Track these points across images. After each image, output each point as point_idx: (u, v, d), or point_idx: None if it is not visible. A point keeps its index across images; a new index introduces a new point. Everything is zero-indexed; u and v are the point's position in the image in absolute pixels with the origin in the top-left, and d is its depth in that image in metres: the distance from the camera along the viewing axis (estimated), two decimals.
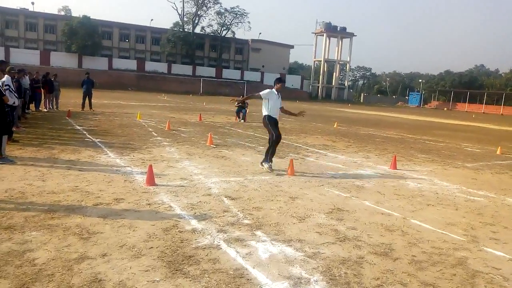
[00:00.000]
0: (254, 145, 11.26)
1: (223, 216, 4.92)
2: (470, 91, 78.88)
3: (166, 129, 13.44)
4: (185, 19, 74.35)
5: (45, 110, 17.29)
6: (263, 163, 7.81)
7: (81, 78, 20.02)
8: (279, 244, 4.14)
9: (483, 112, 69.17)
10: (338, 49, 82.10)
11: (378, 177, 8.04)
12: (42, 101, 17.41)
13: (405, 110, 59.96)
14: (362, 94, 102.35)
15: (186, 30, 73.81)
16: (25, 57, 54.87)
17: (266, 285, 3.26)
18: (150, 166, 6.29)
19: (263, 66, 79.91)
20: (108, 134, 11.57)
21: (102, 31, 67.29)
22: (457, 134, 20.75)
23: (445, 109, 77.34)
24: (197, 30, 75.59)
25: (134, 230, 4.25)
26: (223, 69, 74.42)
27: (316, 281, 3.39)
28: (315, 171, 8.15)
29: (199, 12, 73.86)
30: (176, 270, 3.40)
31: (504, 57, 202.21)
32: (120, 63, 65.63)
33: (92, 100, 19.19)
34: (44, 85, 17.09)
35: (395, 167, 8.99)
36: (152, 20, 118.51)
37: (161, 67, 69.08)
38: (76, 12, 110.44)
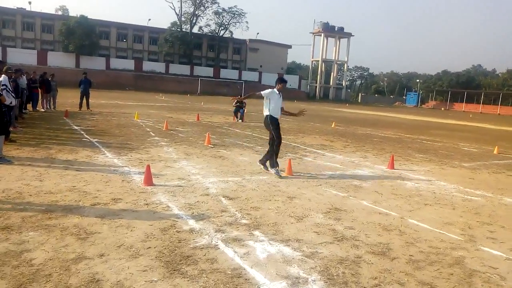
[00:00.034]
0: (252, 145, 11.26)
1: (221, 216, 4.92)
2: (468, 91, 79.08)
3: (164, 129, 13.43)
4: (183, 19, 74.36)
5: (43, 110, 17.26)
6: (270, 169, 7.48)
7: (79, 78, 19.96)
8: (277, 244, 4.14)
9: (480, 112, 69.39)
10: (335, 49, 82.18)
11: (376, 176, 8.05)
12: (40, 101, 17.37)
13: (403, 110, 60.08)
14: (359, 94, 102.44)
15: (184, 30, 73.76)
16: (22, 57, 54.71)
17: (264, 285, 3.26)
18: (148, 166, 6.29)
19: (261, 66, 79.90)
20: (105, 134, 11.55)
21: (100, 31, 67.16)
22: (455, 134, 20.81)
23: (442, 109, 77.52)
24: (195, 30, 75.64)
25: (131, 230, 4.24)
26: (221, 69, 74.41)
27: (314, 280, 3.39)
28: (313, 171, 8.16)
29: (197, 12, 73.83)
30: (174, 270, 3.40)
31: (501, 57, 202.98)
32: (117, 63, 65.52)
33: (90, 100, 19.15)
34: (42, 85, 17.05)
35: (392, 167, 9.01)
36: (149, 20, 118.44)
37: (159, 67, 68.99)
38: (74, 12, 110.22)
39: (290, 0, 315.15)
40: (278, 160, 7.62)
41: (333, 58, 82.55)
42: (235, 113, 19.07)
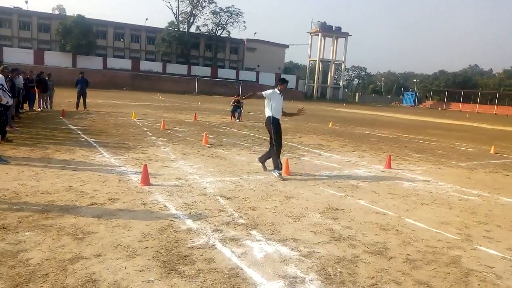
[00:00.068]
0: (249, 144, 11.26)
1: (218, 215, 4.92)
2: (464, 91, 79.33)
3: (161, 128, 13.41)
4: (180, 18, 74.17)
5: (39, 109, 17.19)
6: (274, 171, 7.32)
7: (75, 77, 19.89)
8: (274, 244, 4.14)
9: (477, 112, 69.63)
10: (333, 49, 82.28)
11: (373, 176, 8.07)
12: (36, 101, 17.31)
13: (400, 109, 60.21)
14: (357, 94, 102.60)
15: (181, 29, 73.59)
16: (19, 56, 54.44)
17: (261, 284, 3.26)
18: (145, 166, 6.28)
19: (258, 66, 79.90)
20: (102, 133, 11.53)
21: (97, 31, 66.94)
22: (451, 133, 20.87)
23: (439, 108, 77.75)
24: (192, 29, 75.45)
25: (129, 230, 4.24)
26: (218, 69, 74.30)
27: (311, 280, 3.39)
28: (310, 171, 8.17)
29: (194, 12, 73.68)
30: (171, 270, 3.39)
31: (498, 57, 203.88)
32: (114, 63, 65.32)
33: (87, 100, 19.09)
34: (38, 84, 16.98)
35: (389, 167, 9.03)
36: (147, 19, 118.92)
37: (156, 66, 68.84)
38: (71, 11, 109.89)
39: (288, 0, 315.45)
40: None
41: (331, 58, 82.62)
42: (233, 112, 19.05)
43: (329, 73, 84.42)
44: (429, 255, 4.12)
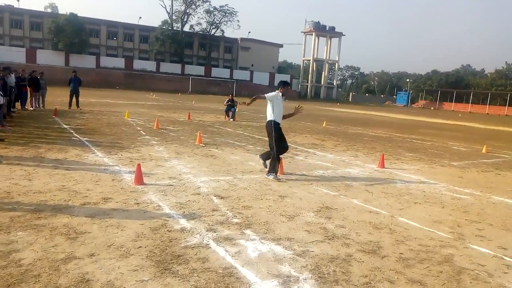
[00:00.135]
0: (243, 144, 11.25)
1: (212, 215, 4.91)
2: (457, 91, 79.91)
3: (154, 128, 13.36)
4: (174, 17, 73.95)
5: (31, 108, 17.05)
6: (270, 175, 7.18)
7: (68, 76, 19.76)
8: (268, 243, 4.15)
9: (469, 112, 70.19)
10: (327, 49, 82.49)
11: (366, 175, 8.11)
12: (28, 100, 17.16)
13: (393, 109, 60.53)
14: (350, 93, 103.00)
15: (175, 28, 73.37)
16: (11, 55, 53.97)
17: (255, 283, 3.26)
18: (139, 165, 6.25)
19: (252, 65, 79.91)
20: (95, 133, 11.46)
21: (90, 29, 66.55)
22: (444, 133, 21.03)
23: (432, 108, 78.26)
24: (186, 28, 75.26)
25: (122, 230, 4.22)
26: (212, 68, 74.22)
27: (305, 279, 3.40)
28: (304, 170, 8.19)
29: (188, 11, 73.49)
30: (165, 270, 3.39)
31: (490, 57, 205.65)
32: (107, 61, 64.98)
33: (79, 99, 18.96)
34: (30, 83, 16.83)
35: (383, 166, 9.07)
36: (140, 18, 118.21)
37: (150, 65, 68.60)
38: (63, 10, 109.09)
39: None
40: (267, 161, 7.49)
41: (324, 58, 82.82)
42: (227, 112, 19.04)
43: (323, 72, 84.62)
44: (422, 254, 4.15)
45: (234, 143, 11.22)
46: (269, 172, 7.22)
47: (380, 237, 4.55)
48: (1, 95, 8.86)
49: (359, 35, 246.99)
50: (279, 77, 73.28)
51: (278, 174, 7.32)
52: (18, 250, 3.56)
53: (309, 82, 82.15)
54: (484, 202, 6.56)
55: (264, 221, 4.82)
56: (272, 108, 7.25)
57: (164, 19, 74.11)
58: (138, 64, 67.52)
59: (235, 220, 4.78)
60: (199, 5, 73.79)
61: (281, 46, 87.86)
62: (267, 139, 7.56)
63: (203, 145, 10.46)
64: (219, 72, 73.25)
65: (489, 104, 73.41)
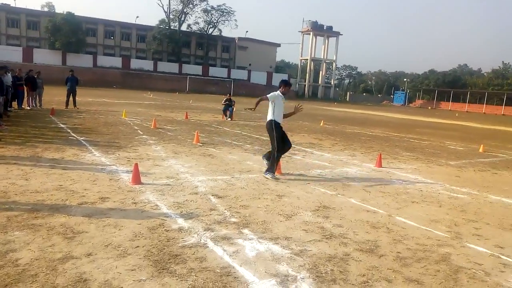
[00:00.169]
0: (241, 143, 11.24)
1: (210, 214, 4.91)
2: (454, 90, 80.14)
3: (152, 127, 13.34)
4: (171, 16, 73.83)
5: (28, 108, 16.99)
6: (265, 174, 7.17)
7: (65, 75, 19.72)
8: (266, 242, 4.15)
9: (466, 111, 70.41)
10: (324, 48, 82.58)
11: (364, 175, 8.12)
12: (25, 99, 17.10)
13: (390, 108, 60.64)
14: (348, 93, 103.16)
15: (172, 27, 73.25)
16: (7, 54, 53.67)
17: (253, 283, 3.26)
18: (136, 165, 6.24)
19: (250, 65, 79.87)
20: (92, 132, 11.43)
21: (87, 28, 66.37)
22: (441, 132, 21.08)
23: (429, 107, 78.44)
24: (184, 27, 75.21)
25: (119, 229, 4.21)
26: (210, 67, 74.14)
27: (303, 278, 3.41)
28: (301, 169, 8.19)
29: (185, 10, 73.40)
30: (163, 269, 3.38)
31: (487, 57, 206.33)
32: (104, 61, 64.80)
33: (76, 98, 18.91)
34: (27, 82, 16.77)
35: (380, 165, 9.09)
36: (137, 17, 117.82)
37: (147, 64, 68.46)
38: (60, 9, 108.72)
39: None
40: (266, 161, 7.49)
41: (322, 57, 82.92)
42: (224, 111, 19.02)
43: (321, 72, 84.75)
44: (419, 253, 4.16)
45: (231, 143, 11.21)
46: (267, 170, 7.22)
47: (377, 236, 4.56)
48: None
49: (357, 34, 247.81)
50: (276, 77, 73.46)
51: (276, 173, 7.33)
52: (15, 250, 3.55)
53: (306, 81, 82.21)
54: (481, 201, 6.58)
55: (262, 221, 4.82)
56: (273, 107, 7.25)
57: (161, 18, 73.95)
58: (135, 64, 67.38)
59: (233, 220, 4.78)
60: (196, 4, 73.83)
61: (279, 45, 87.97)
62: (264, 138, 7.58)
63: (201, 144, 10.45)
64: (217, 72, 73.19)
65: (486, 104, 73.64)
